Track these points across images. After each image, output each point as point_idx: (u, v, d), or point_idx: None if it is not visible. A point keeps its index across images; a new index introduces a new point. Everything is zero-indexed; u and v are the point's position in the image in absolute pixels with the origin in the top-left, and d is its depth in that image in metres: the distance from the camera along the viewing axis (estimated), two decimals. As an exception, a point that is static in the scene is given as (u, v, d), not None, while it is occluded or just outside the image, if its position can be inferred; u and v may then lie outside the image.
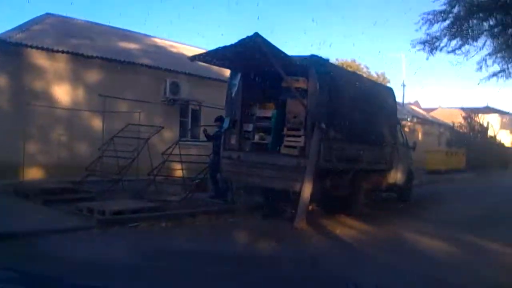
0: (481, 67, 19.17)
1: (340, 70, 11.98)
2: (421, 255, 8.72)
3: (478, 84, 20.00)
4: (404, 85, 44.87)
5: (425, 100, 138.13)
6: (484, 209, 15.21)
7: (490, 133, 48.63)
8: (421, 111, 51.02)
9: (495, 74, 19.47)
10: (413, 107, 49.90)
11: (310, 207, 12.01)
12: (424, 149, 31.86)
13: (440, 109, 64.77)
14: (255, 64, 10.91)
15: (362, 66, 48.75)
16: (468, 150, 36.51)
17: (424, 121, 43.30)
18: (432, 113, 55.78)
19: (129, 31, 24.23)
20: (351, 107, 11.70)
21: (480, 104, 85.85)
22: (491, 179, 30.48)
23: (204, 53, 11.44)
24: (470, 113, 44.24)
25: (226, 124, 12.33)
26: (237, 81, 12.10)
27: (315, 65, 10.80)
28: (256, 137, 12.00)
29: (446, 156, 32.41)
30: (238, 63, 11.66)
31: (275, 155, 11.34)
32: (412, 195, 16.41)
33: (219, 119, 13.41)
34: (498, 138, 52.35)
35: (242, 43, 9.67)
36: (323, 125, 10.49)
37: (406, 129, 38.15)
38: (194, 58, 11.56)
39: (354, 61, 48.59)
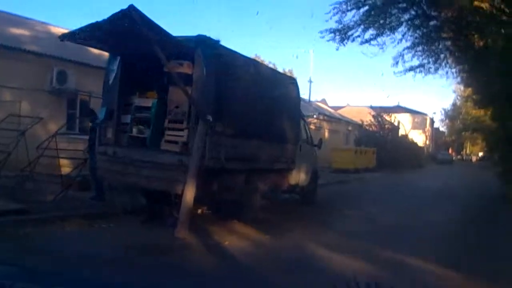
0: (397, 62, 18.61)
1: (234, 55, 10.42)
2: (325, 274, 7.21)
3: (395, 75, 19.18)
4: (311, 81, 44.13)
5: (334, 99, 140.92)
6: (397, 213, 14.26)
7: (402, 132, 49.03)
8: (328, 108, 50.49)
9: (412, 69, 18.90)
10: (320, 104, 49.44)
11: (200, 211, 10.70)
12: (332, 147, 31.19)
13: (349, 107, 64.92)
14: (134, 45, 9.32)
15: (266, 62, 48.10)
16: (379, 149, 36.21)
17: (331, 118, 42.79)
18: (340, 111, 55.59)
19: (21, 16, 21.98)
20: (246, 97, 10.30)
21: (391, 103, 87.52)
22: (403, 179, 30.04)
23: (74, 31, 9.61)
24: (380, 111, 44.04)
25: (102, 115, 10.68)
26: (115, 66, 10.44)
27: (202, 46, 9.27)
28: (134, 130, 10.35)
29: (355, 155, 31.92)
30: (115, 45, 9.96)
31: (154, 151, 9.79)
32: (316, 197, 15.24)
33: (89, 113, 11.91)
34: (410, 137, 52.93)
35: (114, 18, 8.08)
36: (209, 117, 8.99)
37: (312, 127, 37.43)
38: (64, 37, 9.78)
39: (258, 57, 47.90)
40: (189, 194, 8.85)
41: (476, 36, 15.43)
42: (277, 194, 13.52)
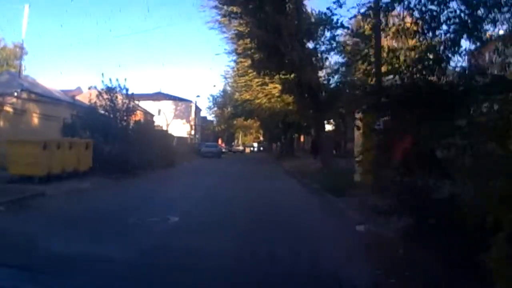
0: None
1: None
2: None
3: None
4: (23, 48, 30.89)
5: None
6: None
7: (162, 122, 39.33)
8: (56, 92, 37.13)
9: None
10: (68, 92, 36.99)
11: None
12: (7, 139, 18.19)
13: (93, 89, 51.99)
14: None
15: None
16: (104, 141, 24.21)
17: (44, 98, 29.27)
18: (81, 96, 43.19)
19: None
20: None
21: (153, 90, 78.00)
22: (124, 196, 16.27)
23: None
24: (138, 98, 29.65)
25: None
26: None
27: None
28: None
29: (47, 151, 17.75)
30: None
31: None
32: None
33: None
34: (169, 127, 43.84)
35: None
36: None
37: (9, 109, 24.90)
38: None
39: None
40: None
41: None
42: None
